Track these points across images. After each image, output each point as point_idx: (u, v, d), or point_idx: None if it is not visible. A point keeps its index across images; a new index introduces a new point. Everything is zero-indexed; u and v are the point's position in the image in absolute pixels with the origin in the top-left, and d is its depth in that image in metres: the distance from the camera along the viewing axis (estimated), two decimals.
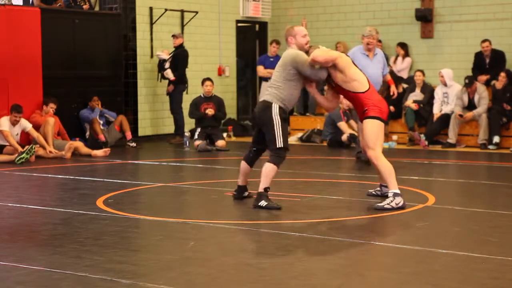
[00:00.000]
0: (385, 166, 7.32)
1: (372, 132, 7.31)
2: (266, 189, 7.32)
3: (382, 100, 7.54)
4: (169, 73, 13.82)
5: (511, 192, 8.59)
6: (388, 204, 7.22)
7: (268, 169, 7.32)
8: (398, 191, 7.28)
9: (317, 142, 13.89)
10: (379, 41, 15.08)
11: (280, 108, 7.31)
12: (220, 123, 13.68)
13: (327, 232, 6.28)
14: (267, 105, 7.34)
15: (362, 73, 7.49)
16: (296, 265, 5.24)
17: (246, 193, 7.80)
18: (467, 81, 13.05)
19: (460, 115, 12.98)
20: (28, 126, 11.70)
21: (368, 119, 7.34)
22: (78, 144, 12.13)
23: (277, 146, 7.29)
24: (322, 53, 7.29)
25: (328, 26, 16.18)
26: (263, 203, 7.26)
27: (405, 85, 14.09)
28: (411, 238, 6.10)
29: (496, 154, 12.23)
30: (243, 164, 7.68)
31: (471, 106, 13.11)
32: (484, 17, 14.49)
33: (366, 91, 7.34)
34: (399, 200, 7.24)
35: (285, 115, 7.38)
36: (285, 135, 7.34)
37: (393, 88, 10.97)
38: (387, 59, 15.06)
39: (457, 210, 7.35)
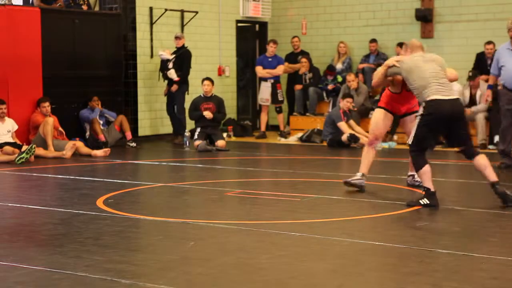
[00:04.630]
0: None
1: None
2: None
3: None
4: (172, 73, 13.78)
5: (511, 192, 8.58)
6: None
7: (486, 160, 7.55)
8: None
9: (317, 142, 13.88)
10: (375, 40, 15.09)
11: None
12: (220, 123, 13.68)
13: (327, 232, 6.28)
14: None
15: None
16: (296, 265, 5.24)
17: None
18: (470, 74, 13.09)
19: None
20: (15, 127, 11.71)
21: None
22: (78, 144, 12.13)
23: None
24: None
25: (328, 26, 16.18)
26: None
27: None
28: (411, 238, 6.10)
29: (497, 154, 12.21)
30: (429, 167, 7.49)
31: (472, 103, 13.12)
32: (484, 17, 14.49)
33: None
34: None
35: None
36: None
37: None
38: (385, 59, 15.09)
39: (457, 210, 7.35)
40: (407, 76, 7.63)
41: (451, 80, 7.84)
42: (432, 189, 7.41)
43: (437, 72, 7.55)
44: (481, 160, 7.53)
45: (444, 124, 7.45)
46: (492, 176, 7.46)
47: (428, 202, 7.35)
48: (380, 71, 7.98)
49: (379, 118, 8.35)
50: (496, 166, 10.41)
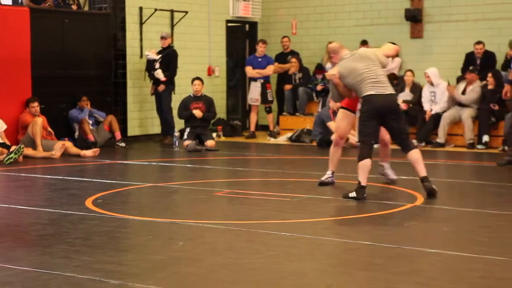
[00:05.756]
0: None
1: None
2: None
3: None
4: (159, 74, 13.76)
5: (499, 191, 8.62)
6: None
7: (420, 155, 7.84)
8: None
9: (306, 142, 13.89)
10: (365, 42, 15.09)
11: None
12: (209, 123, 13.66)
13: (316, 232, 6.28)
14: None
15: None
16: (285, 265, 5.23)
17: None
18: (471, 68, 13.17)
19: (448, 83, 13.25)
20: (4, 127, 11.65)
21: None
22: (67, 144, 12.09)
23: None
24: None
25: (318, 26, 16.18)
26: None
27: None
28: (400, 238, 6.11)
29: (485, 153, 12.26)
30: (369, 162, 7.70)
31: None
32: (473, 17, 14.52)
33: None
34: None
35: None
36: None
37: None
38: None
39: (446, 209, 7.37)
40: (345, 80, 8.01)
41: (391, 56, 8.47)
42: (363, 184, 7.67)
43: (369, 69, 7.88)
44: (415, 155, 7.88)
45: (379, 117, 7.80)
46: (422, 172, 7.83)
47: (355, 195, 7.66)
48: (335, 92, 8.34)
49: (340, 118, 8.71)
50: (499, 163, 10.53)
